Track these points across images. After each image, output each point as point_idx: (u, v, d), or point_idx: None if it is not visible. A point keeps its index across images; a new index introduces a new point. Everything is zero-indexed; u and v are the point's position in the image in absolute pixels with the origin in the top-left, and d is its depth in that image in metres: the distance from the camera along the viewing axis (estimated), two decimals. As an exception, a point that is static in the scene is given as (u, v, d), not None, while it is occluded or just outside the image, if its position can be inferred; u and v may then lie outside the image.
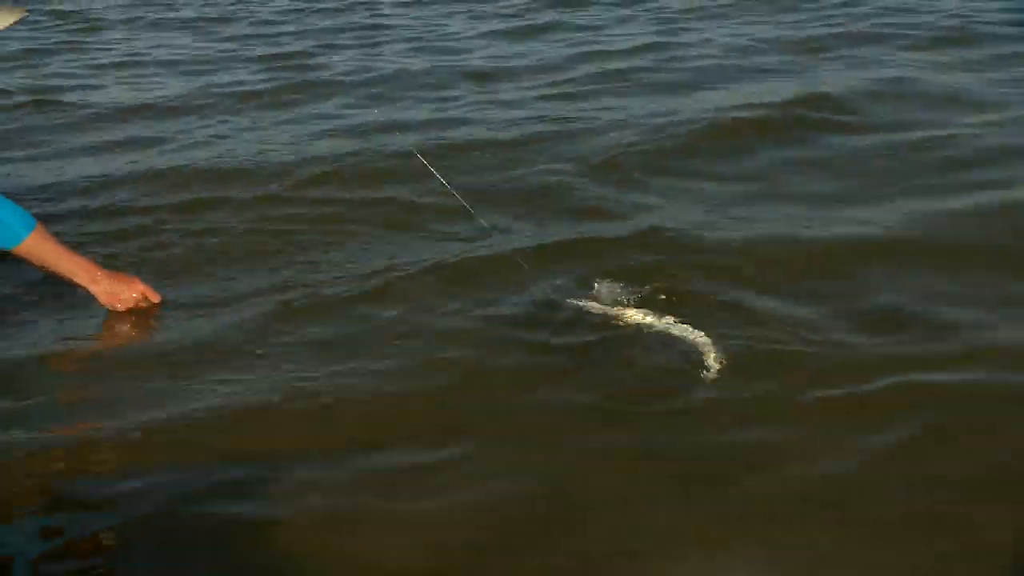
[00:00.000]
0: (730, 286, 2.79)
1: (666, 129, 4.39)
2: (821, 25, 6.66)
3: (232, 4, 8.93)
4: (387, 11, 8.21)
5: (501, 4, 8.12)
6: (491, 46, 6.67)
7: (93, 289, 2.66)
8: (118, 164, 4.29)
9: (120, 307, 2.67)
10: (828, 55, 5.83)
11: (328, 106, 5.28)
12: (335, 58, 6.51)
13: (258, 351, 2.52)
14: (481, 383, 2.39)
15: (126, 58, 6.87)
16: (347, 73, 6.00)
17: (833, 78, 5.22)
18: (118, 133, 4.91)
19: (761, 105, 4.66)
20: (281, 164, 4.14)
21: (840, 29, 6.46)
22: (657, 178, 3.83)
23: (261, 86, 5.74)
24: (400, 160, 3.85)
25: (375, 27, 7.57)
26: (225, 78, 6.03)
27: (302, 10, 8.40)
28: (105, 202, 3.77)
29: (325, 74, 6.04)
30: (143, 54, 6.92)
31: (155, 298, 2.72)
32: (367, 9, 8.25)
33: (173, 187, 3.90)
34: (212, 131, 4.91)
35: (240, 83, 5.87)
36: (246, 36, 7.49)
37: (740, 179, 3.84)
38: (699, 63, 5.81)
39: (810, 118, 4.47)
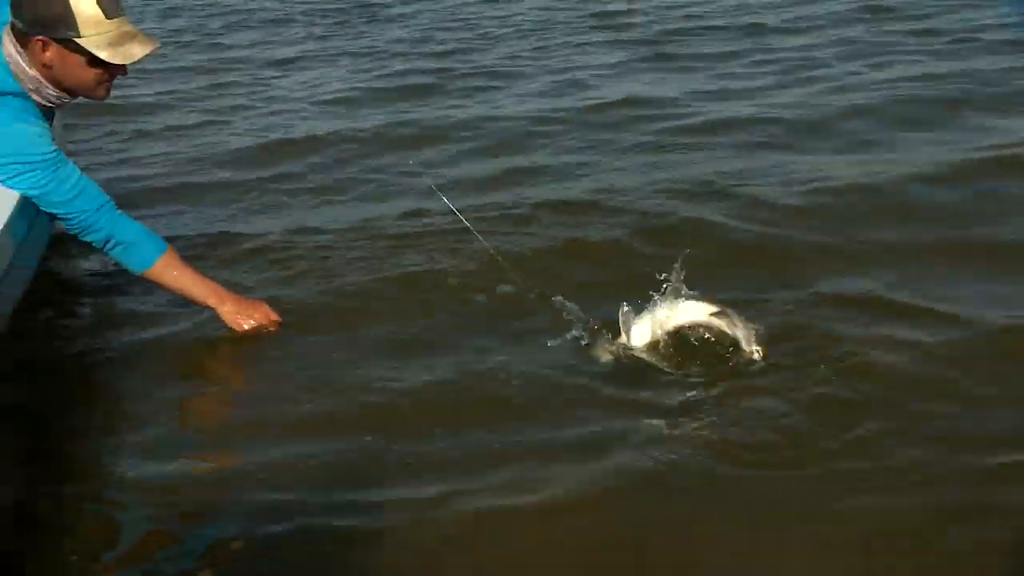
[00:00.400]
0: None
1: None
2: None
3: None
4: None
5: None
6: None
7: (221, 310, 2.70)
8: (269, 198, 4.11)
9: (246, 327, 2.71)
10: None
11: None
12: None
13: (393, 384, 2.51)
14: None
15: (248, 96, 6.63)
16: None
17: None
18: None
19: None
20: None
21: None
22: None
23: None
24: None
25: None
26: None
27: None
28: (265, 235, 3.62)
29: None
30: (260, 91, 6.63)
31: (277, 320, 2.76)
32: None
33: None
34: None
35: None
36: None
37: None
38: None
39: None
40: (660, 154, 4.38)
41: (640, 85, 5.82)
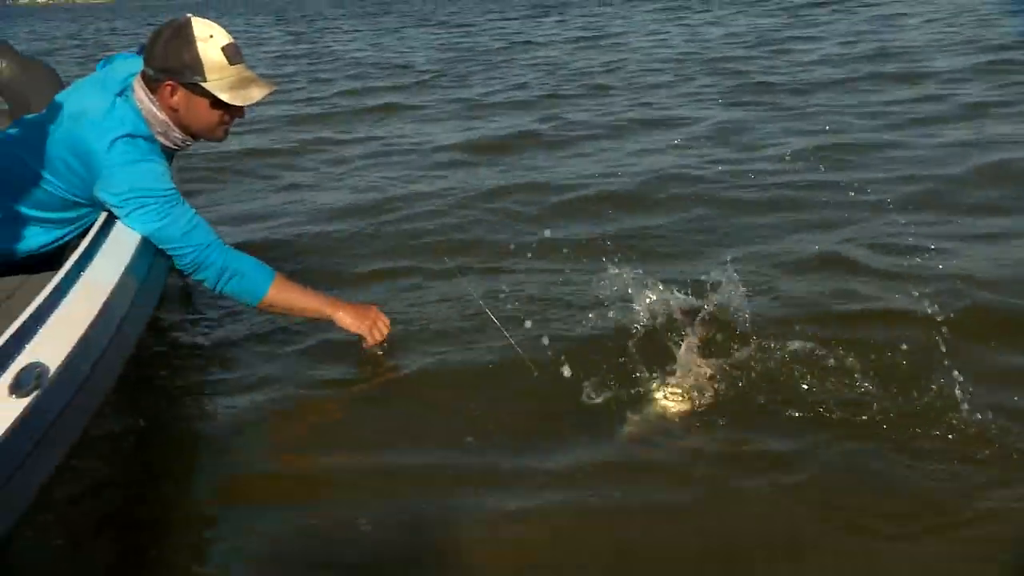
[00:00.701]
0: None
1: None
2: None
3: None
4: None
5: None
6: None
7: (339, 317, 2.79)
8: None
9: (365, 330, 2.80)
10: None
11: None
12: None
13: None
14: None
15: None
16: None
17: None
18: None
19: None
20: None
21: None
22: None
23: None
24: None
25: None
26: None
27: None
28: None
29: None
30: (366, 142, 6.86)
31: (387, 322, 2.86)
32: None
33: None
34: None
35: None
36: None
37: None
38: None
39: None
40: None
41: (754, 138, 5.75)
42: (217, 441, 2.54)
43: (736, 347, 2.70)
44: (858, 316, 2.98)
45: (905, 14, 13.03)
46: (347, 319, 2.78)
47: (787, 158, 4.99)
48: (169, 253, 2.65)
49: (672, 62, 9.72)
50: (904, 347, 2.61)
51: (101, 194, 2.56)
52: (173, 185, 2.64)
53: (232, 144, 6.12)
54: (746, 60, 9.48)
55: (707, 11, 17.33)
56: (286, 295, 2.73)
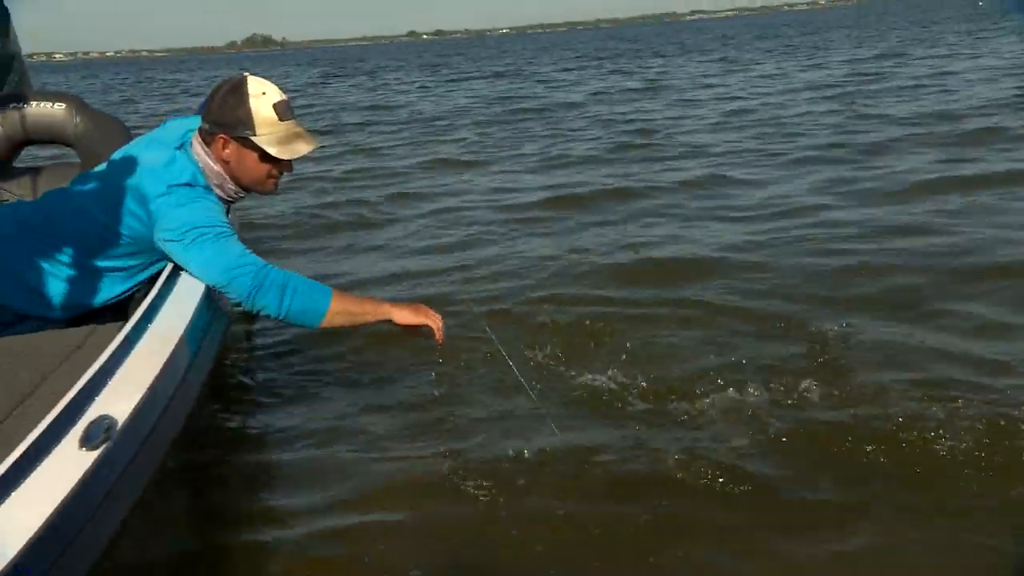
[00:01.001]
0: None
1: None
2: None
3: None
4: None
5: None
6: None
7: (400, 315, 2.73)
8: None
9: (430, 321, 2.74)
10: None
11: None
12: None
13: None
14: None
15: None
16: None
17: None
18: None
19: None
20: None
21: None
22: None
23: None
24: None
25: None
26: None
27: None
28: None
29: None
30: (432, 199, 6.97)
31: (438, 317, 2.80)
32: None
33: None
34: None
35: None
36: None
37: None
38: None
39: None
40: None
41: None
42: (280, 491, 2.58)
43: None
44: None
45: None
46: (408, 315, 2.72)
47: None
48: (229, 283, 2.60)
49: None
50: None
51: (160, 234, 2.61)
52: (227, 221, 2.70)
53: (302, 202, 6.27)
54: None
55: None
56: (346, 305, 2.68)
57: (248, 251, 2.64)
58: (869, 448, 2.56)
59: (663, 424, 2.82)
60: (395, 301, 2.81)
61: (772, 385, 2.96)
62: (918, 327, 3.50)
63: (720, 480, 2.47)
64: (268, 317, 2.64)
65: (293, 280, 2.63)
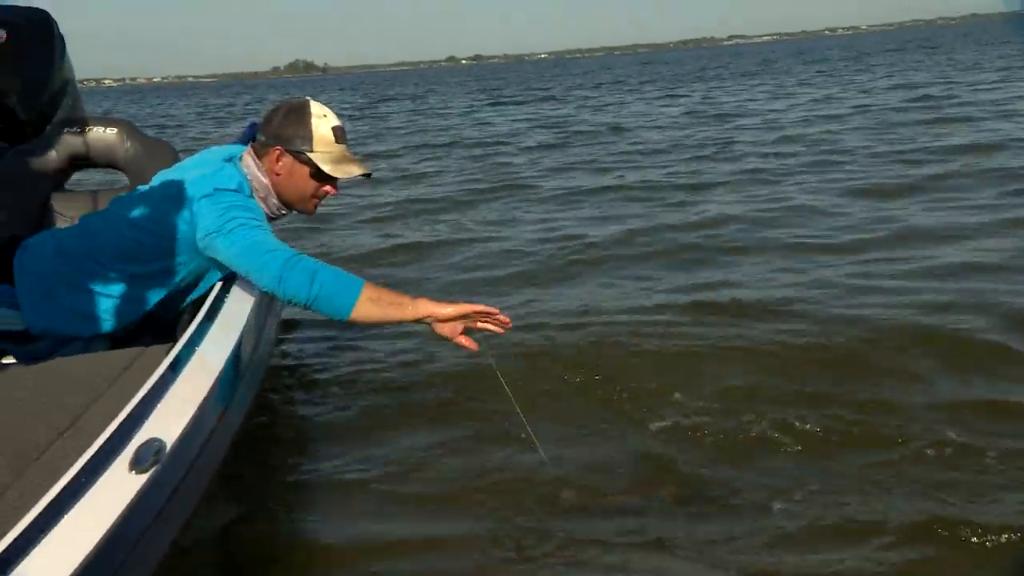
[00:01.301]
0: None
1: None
2: None
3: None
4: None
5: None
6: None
7: (436, 313, 2.58)
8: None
9: (469, 311, 2.59)
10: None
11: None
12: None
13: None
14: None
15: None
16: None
17: None
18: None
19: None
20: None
21: None
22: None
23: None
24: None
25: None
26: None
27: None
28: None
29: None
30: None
31: (474, 308, 2.64)
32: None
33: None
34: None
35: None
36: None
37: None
38: None
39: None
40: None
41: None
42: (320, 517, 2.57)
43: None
44: None
45: None
46: (447, 308, 2.58)
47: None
48: (261, 267, 2.56)
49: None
50: None
51: (202, 231, 2.61)
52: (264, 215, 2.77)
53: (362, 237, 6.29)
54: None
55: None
56: (380, 294, 2.55)
57: (283, 243, 2.65)
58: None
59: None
60: (435, 300, 2.62)
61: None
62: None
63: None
64: (298, 304, 2.56)
65: (324, 268, 2.57)
